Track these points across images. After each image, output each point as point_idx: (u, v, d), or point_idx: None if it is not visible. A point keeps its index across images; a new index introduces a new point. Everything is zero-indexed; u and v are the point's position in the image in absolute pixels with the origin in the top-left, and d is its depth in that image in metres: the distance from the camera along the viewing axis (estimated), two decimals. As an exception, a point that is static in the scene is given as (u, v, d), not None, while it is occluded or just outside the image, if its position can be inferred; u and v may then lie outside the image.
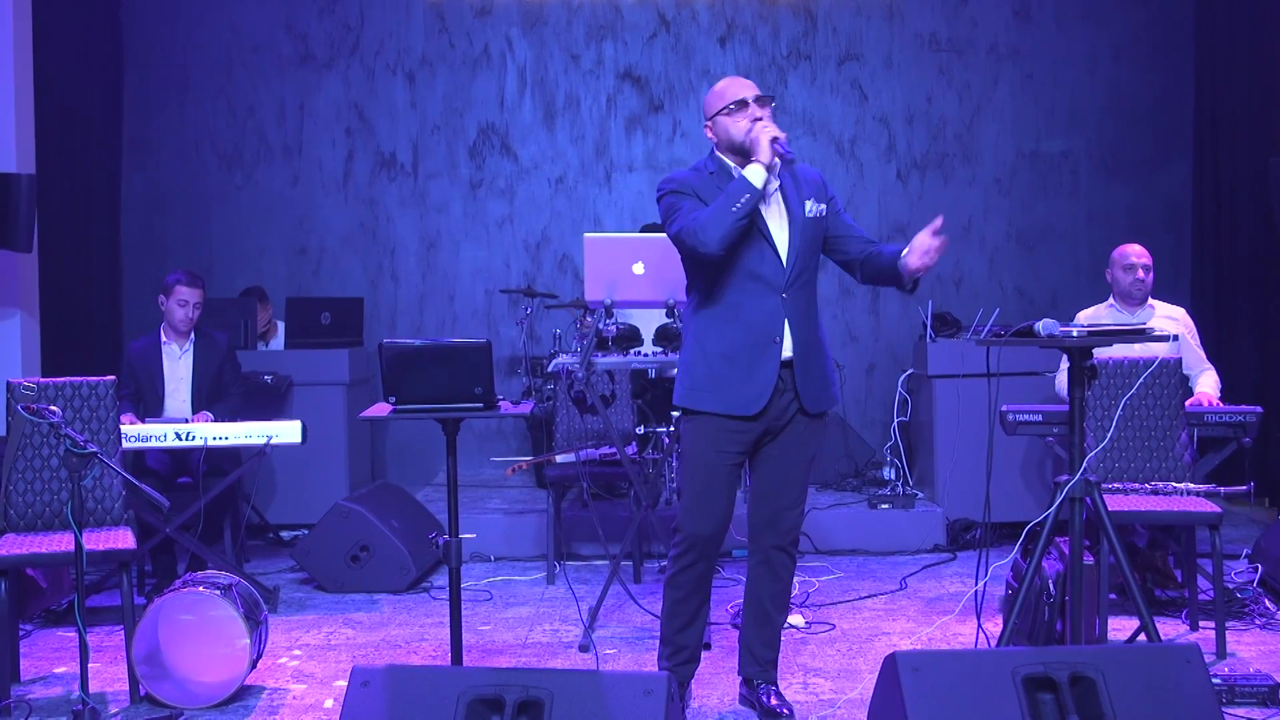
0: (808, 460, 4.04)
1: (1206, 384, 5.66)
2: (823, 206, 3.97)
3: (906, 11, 8.66)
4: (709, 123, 3.96)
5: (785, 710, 4.01)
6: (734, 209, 3.72)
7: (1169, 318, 5.73)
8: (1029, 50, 8.65)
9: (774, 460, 4.00)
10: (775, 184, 3.89)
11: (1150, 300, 5.77)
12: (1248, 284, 7.64)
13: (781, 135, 3.79)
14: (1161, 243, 7.69)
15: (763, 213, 3.86)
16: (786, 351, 3.89)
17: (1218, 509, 4.75)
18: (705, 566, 4.03)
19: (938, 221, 3.77)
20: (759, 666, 4.11)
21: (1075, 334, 3.76)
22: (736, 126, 3.86)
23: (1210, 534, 4.72)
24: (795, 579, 5.83)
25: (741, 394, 3.88)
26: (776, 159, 3.80)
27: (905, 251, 3.84)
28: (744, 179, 3.75)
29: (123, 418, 5.67)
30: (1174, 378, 5.14)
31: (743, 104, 3.87)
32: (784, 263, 3.87)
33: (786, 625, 5.09)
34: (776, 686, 4.11)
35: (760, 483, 4.05)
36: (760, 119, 3.84)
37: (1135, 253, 5.72)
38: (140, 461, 5.86)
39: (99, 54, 7.69)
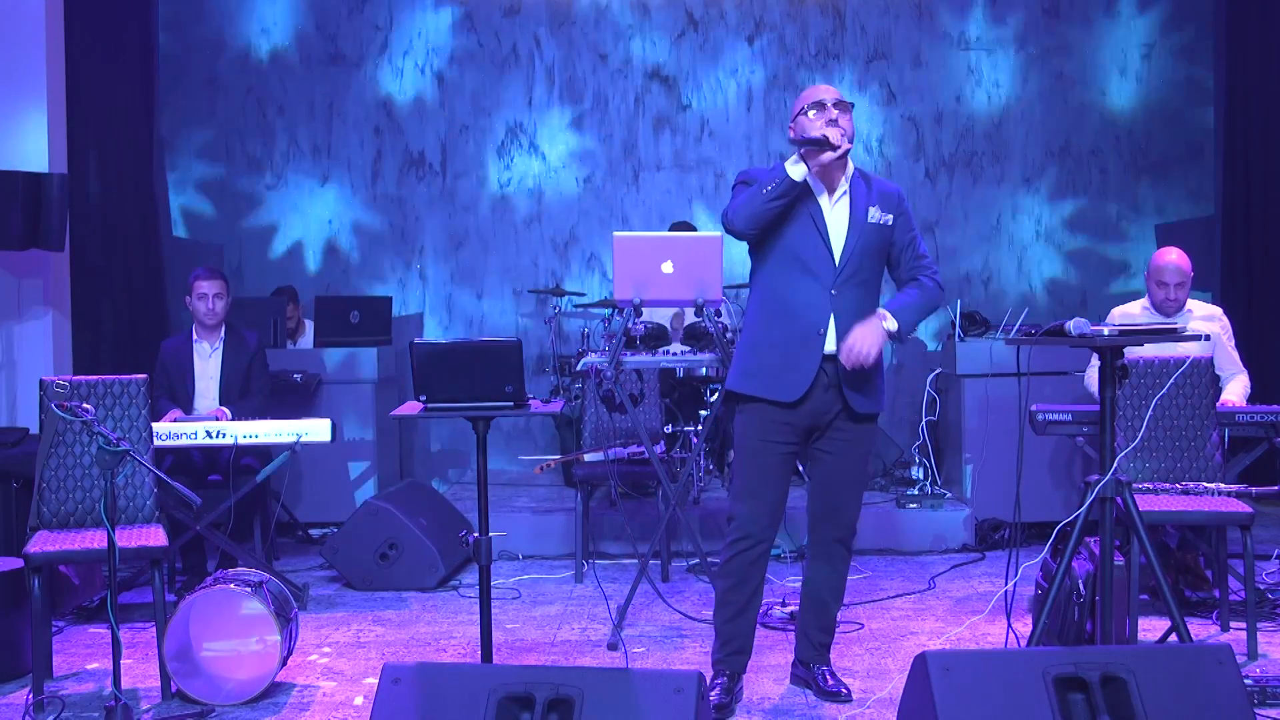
0: (861, 456, 4.20)
1: (1233, 392, 5.59)
2: (889, 216, 4.10)
3: (935, 10, 8.63)
4: (792, 123, 4.12)
5: (843, 690, 4.18)
6: (765, 191, 3.91)
7: (1206, 318, 5.65)
8: (1058, 48, 8.62)
9: (827, 457, 4.15)
10: (844, 187, 4.04)
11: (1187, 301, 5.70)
12: (1278, 282, 7.57)
13: (842, 146, 3.89)
14: (1190, 241, 7.60)
15: (825, 212, 4.04)
16: (830, 346, 4.01)
17: (1249, 509, 4.72)
18: (756, 554, 4.11)
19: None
20: (815, 650, 4.30)
21: (1106, 333, 3.74)
22: (812, 126, 3.98)
23: (1242, 534, 4.69)
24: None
25: (782, 380, 4.02)
26: (821, 160, 3.90)
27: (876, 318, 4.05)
28: (782, 168, 3.91)
29: (168, 414, 5.73)
30: (1205, 377, 5.09)
31: (820, 105, 4.01)
32: (835, 260, 4.03)
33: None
34: (831, 667, 4.28)
35: (817, 480, 4.20)
36: (835, 120, 3.96)
37: (1170, 270, 5.52)
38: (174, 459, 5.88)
39: (131, 54, 7.72)
